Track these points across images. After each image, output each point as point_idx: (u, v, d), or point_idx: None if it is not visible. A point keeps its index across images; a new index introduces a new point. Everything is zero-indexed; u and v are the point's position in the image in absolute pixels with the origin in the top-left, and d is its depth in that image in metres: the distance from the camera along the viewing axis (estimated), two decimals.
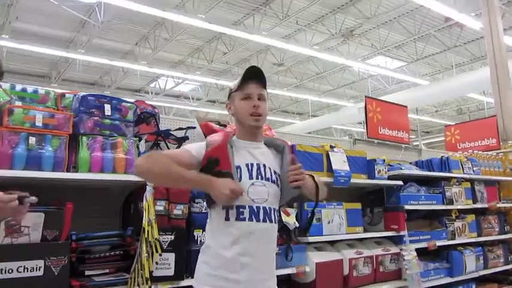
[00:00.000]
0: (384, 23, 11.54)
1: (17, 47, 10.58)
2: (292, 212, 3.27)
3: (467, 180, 4.88)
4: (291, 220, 3.20)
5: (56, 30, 11.54)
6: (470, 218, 4.82)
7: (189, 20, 9.45)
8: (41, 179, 2.35)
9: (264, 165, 1.84)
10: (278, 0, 10.24)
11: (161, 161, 1.72)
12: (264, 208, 1.78)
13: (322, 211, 3.45)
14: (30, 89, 2.63)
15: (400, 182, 4.09)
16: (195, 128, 3.30)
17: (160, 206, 2.60)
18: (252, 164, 1.83)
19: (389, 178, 4.05)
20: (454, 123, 8.63)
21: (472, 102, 18.58)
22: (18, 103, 2.47)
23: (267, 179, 1.82)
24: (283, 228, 3.20)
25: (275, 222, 1.84)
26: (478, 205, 4.94)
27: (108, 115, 2.66)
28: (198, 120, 3.31)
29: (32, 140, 2.34)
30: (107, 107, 2.67)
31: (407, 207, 4.03)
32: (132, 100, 2.98)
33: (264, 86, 1.87)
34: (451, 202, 4.56)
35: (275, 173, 1.86)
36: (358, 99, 17.01)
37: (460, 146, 7.02)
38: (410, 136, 5.27)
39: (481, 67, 12.62)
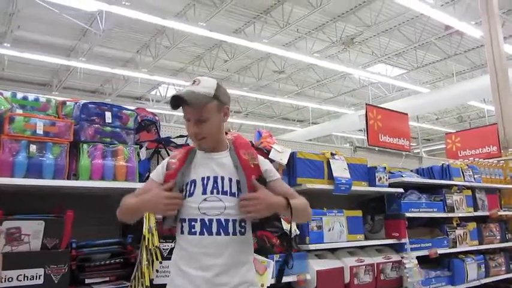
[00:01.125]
0: (385, 31, 11.59)
1: (18, 55, 10.62)
2: None
3: (468, 188, 4.87)
4: (291, 228, 3.18)
5: (57, 39, 11.59)
6: (472, 225, 4.81)
7: (190, 28, 9.49)
8: (41, 187, 2.35)
9: (223, 178, 1.74)
10: (279, 9, 10.30)
11: (123, 202, 1.77)
12: (219, 220, 1.68)
13: (323, 218, 3.44)
14: (31, 97, 2.64)
15: (401, 190, 4.08)
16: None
17: None
18: (208, 178, 1.74)
19: (390, 186, 4.05)
20: (454, 131, 8.64)
21: (473, 110, 18.59)
22: (19, 111, 2.47)
23: (224, 193, 1.72)
24: (283, 235, 3.20)
25: (236, 234, 1.70)
26: (479, 213, 4.93)
27: (108, 123, 2.67)
28: None
29: (33, 147, 2.34)
30: (108, 114, 2.68)
31: (408, 214, 4.02)
32: (132, 108, 2.98)
33: (202, 107, 1.70)
34: (452, 210, 4.55)
35: (237, 183, 1.75)
36: (358, 107, 17.03)
37: (460, 153, 7.02)
38: (411, 144, 5.27)
39: (482, 75, 12.66)
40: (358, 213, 3.80)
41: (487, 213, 5.02)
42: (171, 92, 15.89)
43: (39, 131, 2.39)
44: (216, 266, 1.65)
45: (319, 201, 3.68)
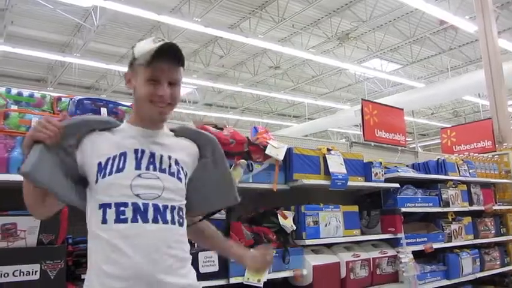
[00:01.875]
0: (379, 26, 11.61)
1: (12, 51, 10.55)
2: (290, 214, 3.27)
3: (463, 182, 4.90)
4: (288, 223, 3.20)
5: (52, 34, 11.53)
6: (467, 220, 4.83)
7: (185, 24, 9.46)
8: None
9: (161, 155, 1.44)
10: (274, 4, 10.28)
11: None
12: (156, 206, 1.36)
13: (320, 214, 3.45)
14: (26, 92, 2.62)
15: (397, 185, 4.09)
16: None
17: None
18: (142, 151, 1.43)
19: (386, 181, 4.06)
20: (450, 126, 8.66)
21: (468, 104, 18.68)
22: (14, 107, 2.45)
23: (162, 170, 1.42)
24: (280, 231, 3.21)
25: (175, 224, 1.39)
26: (475, 207, 4.95)
27: None
28: (195, 123, 3.31)
29: None
30: (103, 110, 2.66)
31: (404, 209, 4.03)
32: (128, 104, 2.97)
33: (181, 65, 1.46)
34: (447, 204, 4.57)
35: (181, 167, 1.48)
36: (354, 102, 17.07)
37: (456, 148, 7.05)
38: (406, 139, 5.29)
39: (476, 69, 12.71)
40: (355, 208, 3.81)
41: (482, 207, 5.04)
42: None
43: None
44: (158, 263, 1.33)
45: (316, 197, 3.69)
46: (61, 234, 2.30)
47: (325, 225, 3.47)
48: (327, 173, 3.58)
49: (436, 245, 4.30)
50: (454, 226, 4.64)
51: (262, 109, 19.70)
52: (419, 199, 4.31)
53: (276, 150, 3.26)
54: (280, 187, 3.31)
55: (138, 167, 1.39)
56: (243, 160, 3.00)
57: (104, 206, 1.35)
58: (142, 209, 1.34)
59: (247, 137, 3.23)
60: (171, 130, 1.57)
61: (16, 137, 2.30)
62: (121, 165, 1.38)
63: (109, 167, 1.38)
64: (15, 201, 2.35)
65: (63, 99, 2.72)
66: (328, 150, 3.70)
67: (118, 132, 1.48)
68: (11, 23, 10.25)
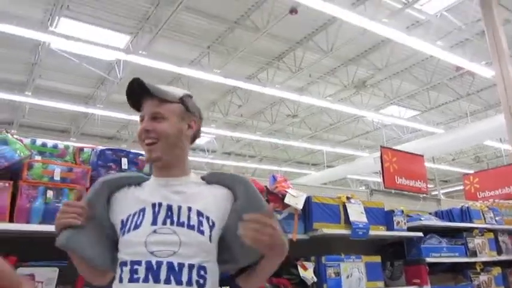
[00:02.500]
0: (396, 73, 11.72)
1: (38, 103, 10.95)
2: (310, 265, 3.18)
3: (490, 230, 4.73)
4: (308, 275, 3.11)
5: (76, 87, 11.98)
6: (496, 271, 4.62)
7: (204, 75, 9.74)
8: (56, 234, 2.35)
9: (179, 207, 1.33)
10: (291, 55, 10.54)
11: None
12: (170, 264, 1.24)
13: (341, 265, 3.35)
14: (50, 143, 2.69)
15: (420, 234, 3.98)
16: None
17: None
18: (159, 205, 1.33)
19: (409, 229, 3.95)
20: (472, 172, 8.50)
21: (489, 149, 18.37)
22: (38, 157, 2.52)
23: (180, 224, 1.30)
24: (300, 283, 3.12)
25: (192, 285, 1.25)
26: (503, 257, 4.75)
27: (125, 169, 2.69)
28: None
29: (50, 193, 2.36)
30: (124, 160, 2.71)
31: (429, 259, 3.89)
32: None
33: (162, 101, 1.40)
34: (474, 254, 4.40)
35: (206, 218, 1.33)
36: (373, 149, 16.96)
37: (480, 195, 6.87)
38: (428, 186, 5.19)
39: (496, 114, 12.58)
40: (377, 258, 3.70)
41: (511, 257, 4.83)
42: None
43: (57, 177, 2.42)
44: None
45: (336, 247, 3.60)
46: (79, 285, 2.28)
47: (347, 277, 3.36)
48: (347, 222, 3.51)
49: None
50: (483, 277, 4.43)
51: (280, 157, 19.71)
52: (445, 248, 4.17)
53: (295, 199, 3.23)
54: (299, 237, 3.25)
55: (154, 222, 1.30)
56: None
57: (122, 265, 1.29)
58: (155, 267, 1.24)
59: (266, 186, 3.22)
60: (202, 178, 1.48)
61: (38, 187, 2.35)
62: (139, 222, 1.31)
63: (129, 223, 1.32)
64: (35, 252, 2.36)
65: (85, 149, 2.78)
66: (348, 198, 3.65)
67: (145, 187, 1.44)
68: (39, 77, 10.72)
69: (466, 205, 4.73)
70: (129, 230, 1.31)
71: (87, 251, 1.32)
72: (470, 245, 4.41)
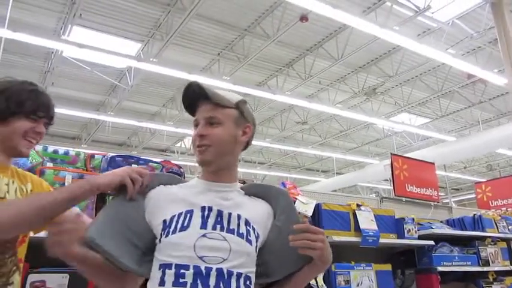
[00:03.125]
0: (406, 80, 11.68)
1: None
2: (320, 273, 3.16)
3: (502, 239, 4.66)
4: (318, 282, 3.09)
5: (88, 94, 12.11)
6: (509, 280, 4.54)
7: (214, 82, 9.77)
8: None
9: (229, 214, 1.30)
10: (301, 62, 10.56)
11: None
12: (220, 271, 1.19)
13: (351, 273, 3.33)
14: (61, 150, 2.72)
15: (432, 242, 3.93)
16: None
17: None
18: (209, 209, 1.29)
19: (420, 238, 3.91)
20: (484, 180, 8.40)
21: (502, 157, 18.15)
22: (50, 164, 2.54)
23: (231, 231, 1.26)
24: None
25: None
26: None
27: None
28: None
29: None
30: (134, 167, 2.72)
31: (440, 268, 3.85)
32: (158, 160, 3.03)
33: (219, 106, 1.36)
34: (487, 263, 4.34)
35: (252, 228, 1.30)
36: (383, 157, 16.87)
37: (492, 203, 6.79)
38: (439, 194, 5.14)
39: (509, 122, 12.46)
40: (388, 267, 3.66)
41: None
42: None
43: (68, 184, 2.44)
44: None
45: (347, 254, 3.57)
46: None
47: (357, 285, 3.33)
48: (358, 229, 3.49)
49: None
50: (496, 287, 4.36)
51: (290, 164, 19.68)
52: (457, 257, 4.12)
53: (305, 206, 3.22)
54: None
55: (203, 226, 1.25)
56: None
57: (164, 266, 1.20)
58: (204, 273, 1.18)
59: None
60: (241, 189, 1.43)
61: None
62: (186, 223, 1.25)
63: (173, 224, 1.25)
64: (47, 258, 2.38)
65: (96, 156, 2.81)
66: (358, 205, 3.63)
67: (187, 188, 1.38)
68: (51, 84, 10.86)
69: (478, 214, 4.67)
70: (174, 232, 1.23)
71: (116, 250, 1.20)
72: (483, 254, 4.35)
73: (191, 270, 1.18)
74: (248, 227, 1.29)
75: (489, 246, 4.45)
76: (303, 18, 8.35)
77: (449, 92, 12.11)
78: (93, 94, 12.17)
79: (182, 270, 1.18)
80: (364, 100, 12.81)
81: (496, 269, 4.43)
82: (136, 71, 10.04)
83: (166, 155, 16.63)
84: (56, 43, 8.03)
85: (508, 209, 5.39)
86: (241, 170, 17.99)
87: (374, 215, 3.66)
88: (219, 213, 1.28)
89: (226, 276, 1.19)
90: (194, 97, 1.39)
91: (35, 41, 7.39)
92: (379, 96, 12.55)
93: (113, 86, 11.57)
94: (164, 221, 1.27)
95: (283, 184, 3.48)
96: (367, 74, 11.22)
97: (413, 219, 3.93)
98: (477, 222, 4.55)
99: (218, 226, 1.26)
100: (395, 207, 4.38)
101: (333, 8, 6.60)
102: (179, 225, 1.24)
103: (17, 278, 1.54)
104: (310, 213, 3.23)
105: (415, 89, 12.02)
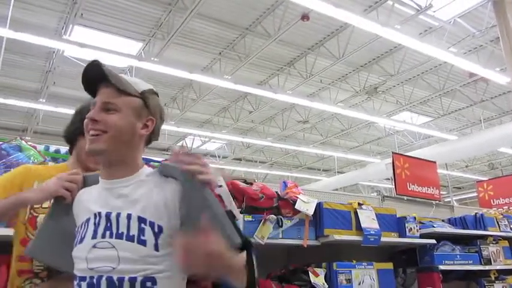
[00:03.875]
0: (408, 79, 11.66)
1: (52, 110, 11.10)
2: (321, 272, 3.16)
3: (504, 238, 4.65)
4: (319, 281, 3.09)
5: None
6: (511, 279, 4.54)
7: (215, 81, 9.79)
8: None
9: (118, 215, 1.21)
10: (302, 61, 10.55)
11: None
12: (110, 279, 1.15)
13: (353, 271, 3.32)
14: (63, 150, 2.72)
15: (433, 241, 3.93)
16: (221, 186, 3.30)
17: None
18: (99, 214, 1.23)
19: (422, 236, 3.90)
20: (486, 179, 8.39)
21: (504, 156, 18.13)
22: (52, 164, 2.54)
23: (119, 236, 1.18)
24: None
25: None
26: None
27: None
28: (224, 178, 3.33)
29: None
30: None
31: (442, 267, 3.84)
32: (160, 159, 3.03)
33: (118, 91, 1.26)
34: (489, 262, 4.33)
35: (150, 224, 1.19)
36: (384, 155, 16.86)
37: (494, 202, 6.79)
38: (441, 192, 5.13)
39: (511, 121, 12.43)
40: (389, 265, 3.66)
41: None
42: (197, 144, 16.18)
43: None
44: None
45: (348, 253, 3.57)
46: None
47: (359, 284, 3.33)
48: (359, 228, 3.48)
49: None
50: (498, 286, 4.36)
51: (291, 163, 19.68)
52: (458, 256, 4.11)
53: (306, 205, 3.22)
54: (310, 243, 3.22)
55: (94, 235, 1.21)
56: (272, 215, 2.97)
57: (74, 278, 1.24)
58: (95, 284, 1.16)
59: (277, 192, 3.21)
60: (160, 172, 1.34)
61: None
62: (83, 235, 1.24)
63: (77, 236, 1.26)
64: None
65: None
66: (360, 204, 3.62)
67: (93, 190, 1.34)
68: (53, 84, 10.87)
69: (480, 212, 4.67)
70: (76, 245, 1.25)
71: (56, 259, 1.36)
72: (485, 253, 4.34)
73: (86, 281, 1.18)
74: (142, 225, 1.18)
75: (491, 245, 4.44)
76: (304, 17, 8.35)
77: (451, 90, 12.09)
78: None
79: (81, 282, 1.20)
80: (365, 99, 12.80)
81: (498, 267, 4.42)
82: (138, 70, 10.04)
83: (168, 154, 16.64)
84: (58, 43, 8.04)
85: (510, 208, 5.37)
86: (243, 169, 18.02)
87: (375, 213, 3.66)
88: (107, 217, 1.21)
89: (117, 284, 1.15)
90: (96, 79, 1.29)
91: (36, 41, 7.40)
92: (381, 95, 12.54)
93: None
94: (76, 233, 1.29)
95: (285, 183, 3.48)
96: (368, 73, 11.21)
97: (414, 218, 3.92)
98: (479, 221, 4.54)
99: (107, 233, 1.19)
100: (397, 206, 4.38)
101: (334, 6, 6.60)
102: (79, 238, 1.25)
103: None
104: (311, 212, 3.23)
105: (416, 87, 12.00)
